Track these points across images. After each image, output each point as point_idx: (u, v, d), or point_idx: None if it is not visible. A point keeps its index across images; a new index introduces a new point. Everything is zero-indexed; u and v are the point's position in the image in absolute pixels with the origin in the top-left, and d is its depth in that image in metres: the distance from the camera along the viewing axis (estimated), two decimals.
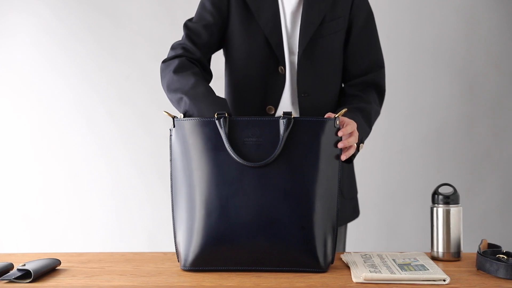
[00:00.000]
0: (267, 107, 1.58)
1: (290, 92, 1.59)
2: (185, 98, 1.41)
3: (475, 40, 2.73)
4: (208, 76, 1.62)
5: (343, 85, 1.70)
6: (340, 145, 1.32)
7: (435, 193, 1.45)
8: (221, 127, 1.30)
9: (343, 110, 1.33)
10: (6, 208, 2.75)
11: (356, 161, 1.98)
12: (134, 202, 2.73)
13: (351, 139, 1.35)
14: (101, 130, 2.74)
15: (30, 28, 2.72)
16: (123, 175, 2.74)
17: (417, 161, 2.74)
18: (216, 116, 1.31)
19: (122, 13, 2.73)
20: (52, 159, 2.74)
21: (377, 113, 1.64)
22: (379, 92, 1.67)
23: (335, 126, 1.32)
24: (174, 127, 1.35)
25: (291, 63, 1.59)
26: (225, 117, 1.31)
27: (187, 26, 1.61)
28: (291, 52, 1.59)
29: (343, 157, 1.34)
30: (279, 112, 1.58)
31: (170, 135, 1.36)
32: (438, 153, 2.75)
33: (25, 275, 1.27)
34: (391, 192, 2.75)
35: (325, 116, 1.34)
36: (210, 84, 1.55)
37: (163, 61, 1.57)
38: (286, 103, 1.59)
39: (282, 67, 1.58)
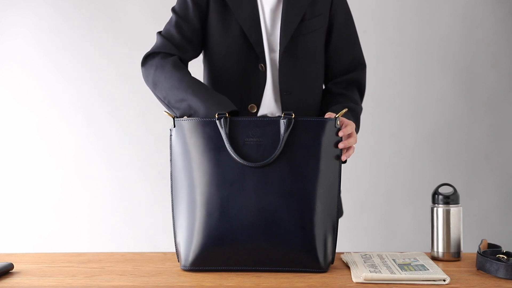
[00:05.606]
0: (249, 105, 1.55)
1: (273, 90, 1.57)
2: (190, 98, 1.39)
3: (474, 41, 2.73)
4: None
5: (326, 84, 1.69)
6: (340, 145, 1.32)
7: (435, 193, 1.45)
8: (221, 127, 1.30)
9: (344, 111, 1.33)
10: (6, 208, 2.74)
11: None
12: (134, 202, 2.73)
13: (350, 140, 1.35)
14: (102, 130, 2.74)
15: (30, 26, 2.72)
16: (123, 175, 2.74)
17: (417, 161, 2.75)
18: (217, 117, 1.31)
19: (123, 13, 2.73)
20: (53, 158, 2.74)
21: (361, 113, 1.65)
22: (360, 91, 1.67)
23: (335, 126, 1.32)
24: (174, 127, 1.35)
25: (272, 60, 1.57)
26: (225, 117, 1.31)
27: (176, 21, 1.59)
28: (271, 50, 1.57)
29: (344, 158, 1.34)
30: (262, 111, 1.56)
31: (170, 135, 1.36)
32: (438, 153, 2.75)
33: None
34: (391, 192, 2.75)
35: (325, 116, 1.34)
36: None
37: (149, 55, 1.53)
38: (269, 101, 1.57)
39: (262, 65, 1.55)
